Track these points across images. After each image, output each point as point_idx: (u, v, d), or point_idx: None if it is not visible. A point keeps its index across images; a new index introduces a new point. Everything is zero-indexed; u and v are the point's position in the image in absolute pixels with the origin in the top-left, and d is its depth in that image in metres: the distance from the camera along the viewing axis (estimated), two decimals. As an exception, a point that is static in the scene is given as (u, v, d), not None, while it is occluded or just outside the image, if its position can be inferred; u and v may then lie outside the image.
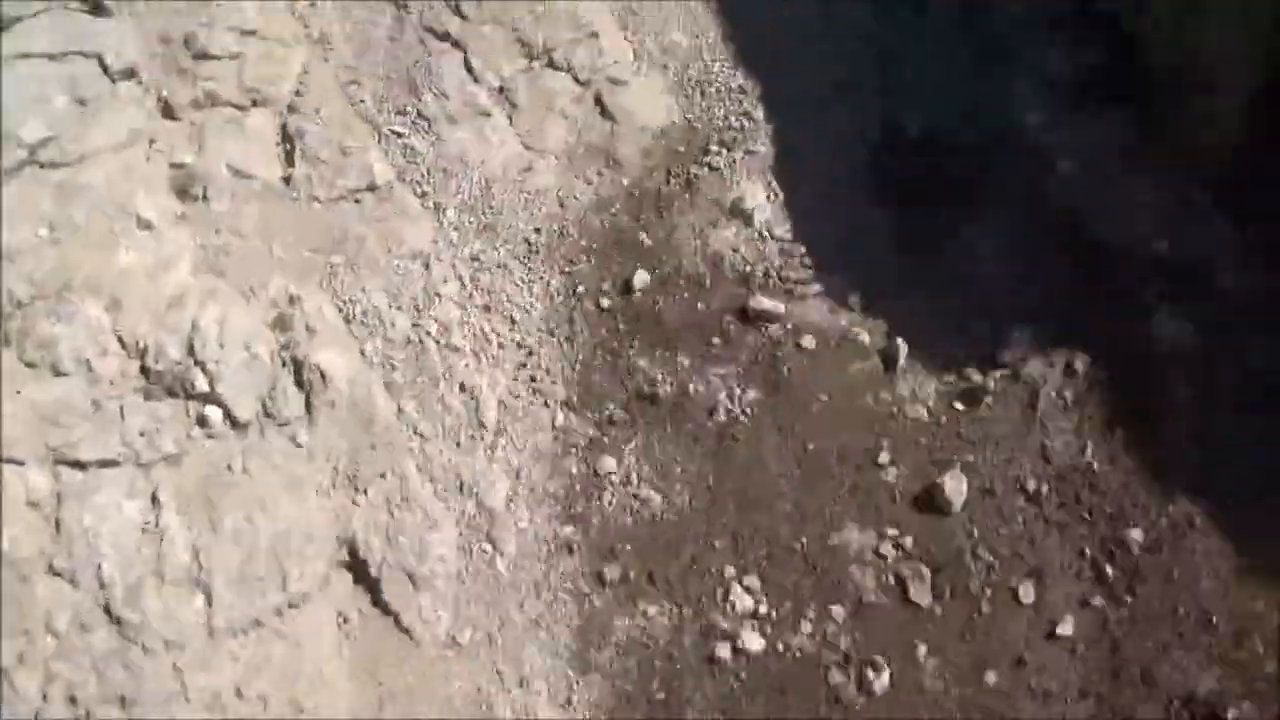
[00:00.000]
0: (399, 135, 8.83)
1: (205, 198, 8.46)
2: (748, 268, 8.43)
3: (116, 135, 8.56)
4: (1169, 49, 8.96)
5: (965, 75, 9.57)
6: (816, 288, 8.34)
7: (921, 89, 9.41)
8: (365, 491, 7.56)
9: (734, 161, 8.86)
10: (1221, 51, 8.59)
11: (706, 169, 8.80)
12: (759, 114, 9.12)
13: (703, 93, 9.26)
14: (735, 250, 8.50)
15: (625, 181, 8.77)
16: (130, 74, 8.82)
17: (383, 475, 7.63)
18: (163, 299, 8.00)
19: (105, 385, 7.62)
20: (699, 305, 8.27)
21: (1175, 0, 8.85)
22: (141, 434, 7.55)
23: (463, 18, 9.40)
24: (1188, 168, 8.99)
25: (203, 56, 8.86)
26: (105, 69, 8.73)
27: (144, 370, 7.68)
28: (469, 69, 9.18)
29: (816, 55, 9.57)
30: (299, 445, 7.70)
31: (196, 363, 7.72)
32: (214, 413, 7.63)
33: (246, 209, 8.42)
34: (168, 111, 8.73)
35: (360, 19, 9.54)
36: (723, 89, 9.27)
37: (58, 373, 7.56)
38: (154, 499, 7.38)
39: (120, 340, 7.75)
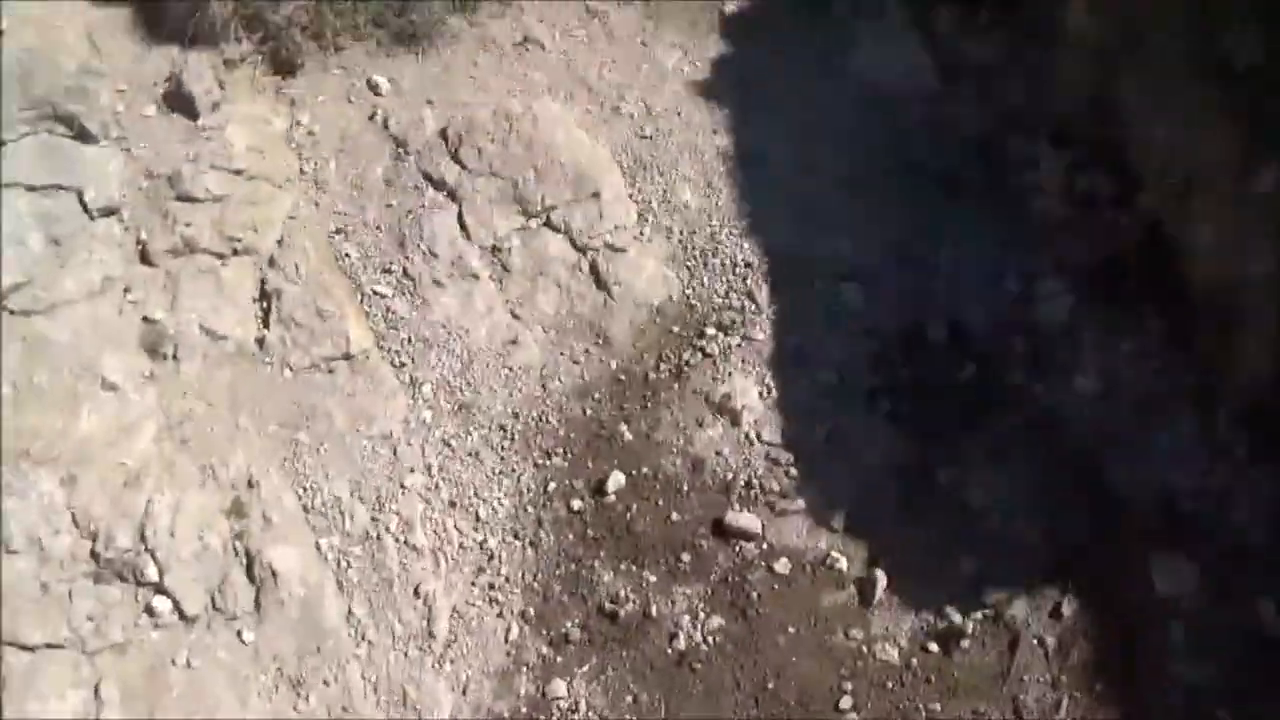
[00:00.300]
0: (382, 296, 9.02)
1: (175, 358, 8.69)
2: (729, 475, 8.55)
3: (90, 282, 8.91)
4: (1207, 265, 8.82)
5: (990, 265, 9.69)
6: (799, 504, 8.46)
7: (940, 279, 9.53)
8: (308, 698, 7.91)
9: (729, 348, 8.97)
10: (1262, 280, 8.38)
11: (700, 355, 8.94)
12: (762, 295, 9.20)
13: (706, 264, 9.35)
14: (719, 453, 8.63)
15: (613, 364, 8.91)
16: (110, 211, 9.08)
17: (326, 682, 7.96)
18: (120, 474, 8.33)
19: (55, 566, 8.02)
20: (673, 515, 8.43)
21: (1219, 216, 8.56)
22: (89, 619, 8.00)
23: (461, 165, 9.57)
24: (1216, 396, 8.92)
25: (185, 198, 9.10)
26: (84, 206, 8.88)
27: (94, 555, 7.90)
28: (462, 225, 9.37)
29: (832, 232, 9.68)
30: (245, 643, 8.06)
31: (148, 549, 8.05)
32: (162, 603, 8.03)
33: (217, 373, 8.76)
34: (145, 256, 8.92)
35: (360, 154, 9.70)
36: (728, 262, 9.33)
37: (9, 550, 7.86)
38: (96, 691, 7.65)
39: (74, 518, 8.04)
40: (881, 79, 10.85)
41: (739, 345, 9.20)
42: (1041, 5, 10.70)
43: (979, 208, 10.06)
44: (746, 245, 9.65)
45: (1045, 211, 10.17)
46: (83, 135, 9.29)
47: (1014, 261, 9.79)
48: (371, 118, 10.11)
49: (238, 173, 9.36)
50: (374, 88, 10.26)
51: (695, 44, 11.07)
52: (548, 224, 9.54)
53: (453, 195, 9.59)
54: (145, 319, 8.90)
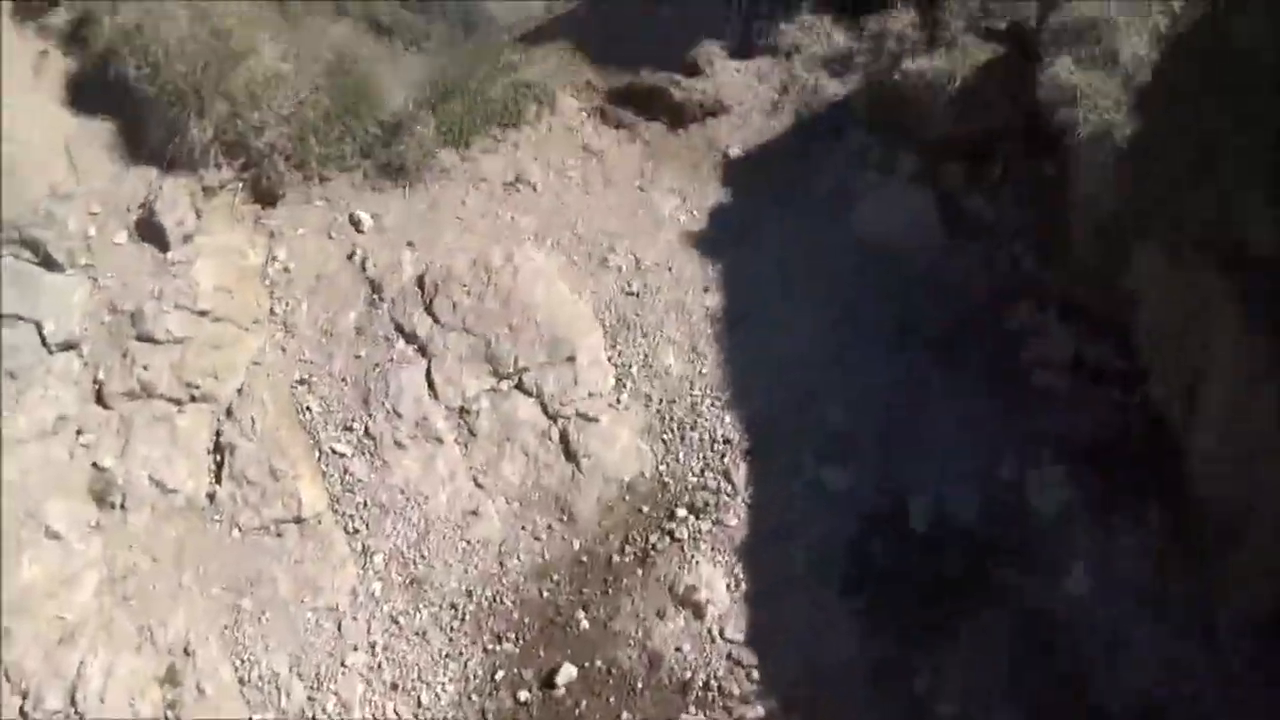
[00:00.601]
0: (340, 456, 8.84)
1: (123, 508, 8.57)
2: (688, 674, 8.41)
3: (43, 421, 8.89)
4: (1211, 470, 8.53)
5: (984, 444, 9.45)
6: (759, 711, 8.31)
7: (929, 457, 9.32)
8: None
9: (700, 534, 8.74)
10: (1268, 494, 8.09)
11: (668, 539, 8.75)
12: (739, 475, 8.94)
13: (683, 437, 9.11)
14: (679, 649, 8.47)
15: (576, 544, 8.72)
16: (70, 346, 8.89)
17: None
18: (57, 629, 8.30)
19: (-15, 721, 7.82)
20: (624, 715, 8.30)
21: (1226, 422, 8.22)
22: (17, 774, 7.77)
23: (434, 318, 9.43)
24: (1215, 604, 8.62)
25: (146, 339, 8.93)
26: (44, 339, 8.68)
27: (23, 713, 7.76)
28: (430, 382, 9.22)
29: (820, 403, 9.57)
30: (167, 818, 7.77)
31: (77, 713, 8.05)
32: (87, 769, 7.76)
33: (165, 527, 8.73)
34: (101, 397, 8.78)
35: (334, 296, 9.54)
36: (705, 437, 9.11)
37: (-60, 704, 7.75)
38: None
39: (6, 673, 8.06)
40: (885, 233, 10.65)
41: (710, 530, 8.95)
42: (1056, 165, 10.29)
43: (978, 378, 9.85)
44: (728, 418, 9.42)
45: (1048, 386, 9.92)
46: (48, 262, 9.23)
47: (1010, 441, 9.56)
48: (350, 256, 9.99)
49: (203, 313, 9.29)
50: (356, 223, 10.10)
51: (695, 189, 10.88)
52: (519, 386, 9.36)
53: (423, 350, 9.43)
54: (95, 465, 8.72)
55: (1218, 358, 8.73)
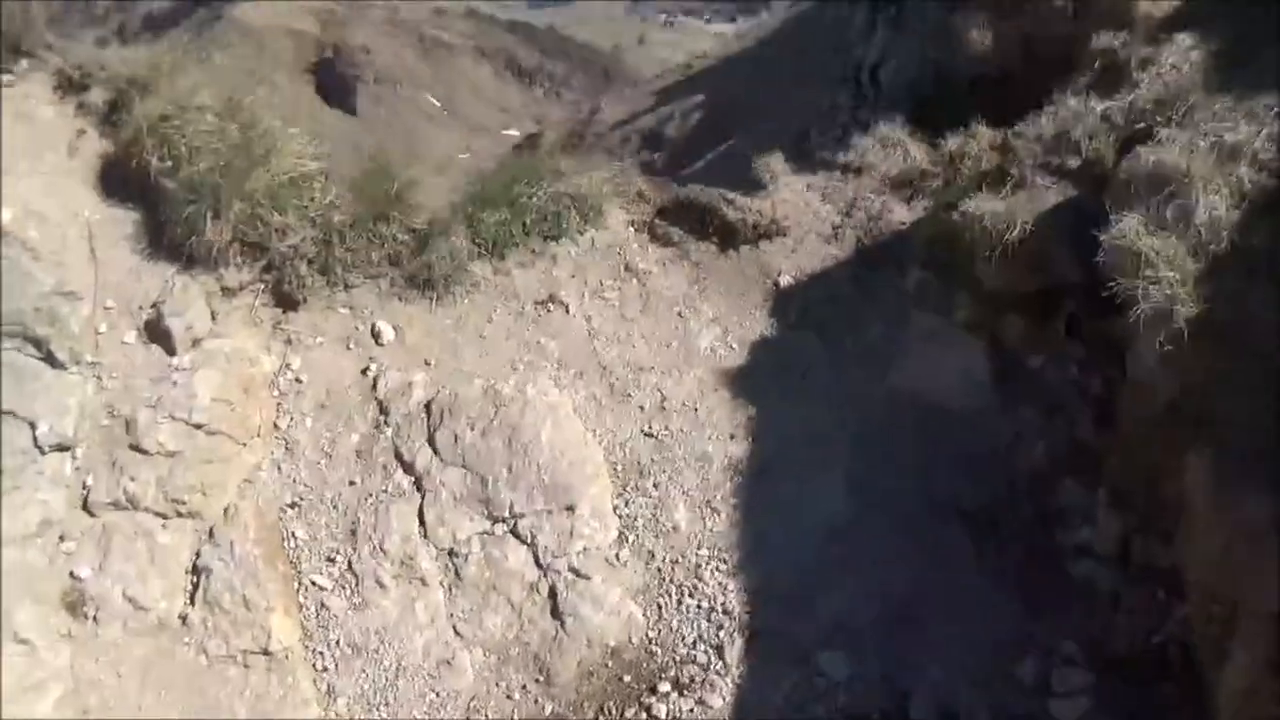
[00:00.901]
0: (320, 589, 8.50)
1: (96, 620, 8.39)
2: None
3: (26, 524, 8.82)
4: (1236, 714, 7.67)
5: (1007, 640, 8.89)
6: None
7: (943, 651, 8.72)
8: None
9: (679, 713, 8.39)
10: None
11: (645, 715, 8.21)
12: (733, 651, 8.51)
13: (680, 603, 8.70)
14: None
15: (548, 709, 8.40)
16: (63, 448, 8.63)
17: None
18: None
19: (-73, 831, 7.72)
20: None
21: (1255, 674, 7.44)
22: None
23: (435, 450, 9.07)
24: None
25: (137, 449, 8.60)
26: (35, 439, 8.49)
27: (-36, 825, 7.67)
28: (422, 520, 8.78)
29: (831, 580, 9.06)
30: None
31: (16, 832, 7.65)
32: None
33: (134, 644, 8.68)
34: (87, 504, 8.52)
35: (340, 415, 9.32)
36: (705, 604, 8.72)
37: (-124, 815, 7.66)
38: None
39: (-43, 782, 7.79)
40: (932, 388, 10.10)
41: (690, 710, 8.55)
42: (1124, 329, 9.48)
43: (1011, 562, 9.30)
44: (731, 586, 8.96)
45: (1087, 578, 9.27)
46: (50, 359, 8.91)
47: (1036, 638, 8.93)
48: (365, 371, 9.77)
49: (198, 426, 8.99)
50: (376, 335, 9.85)
51: (738, 319, 10.41)
52: (513, 532, 9.04)
53: (419, 484, 9.14)
54: (73, 575, 8.40)
55: (1260, 593, 7.94)
